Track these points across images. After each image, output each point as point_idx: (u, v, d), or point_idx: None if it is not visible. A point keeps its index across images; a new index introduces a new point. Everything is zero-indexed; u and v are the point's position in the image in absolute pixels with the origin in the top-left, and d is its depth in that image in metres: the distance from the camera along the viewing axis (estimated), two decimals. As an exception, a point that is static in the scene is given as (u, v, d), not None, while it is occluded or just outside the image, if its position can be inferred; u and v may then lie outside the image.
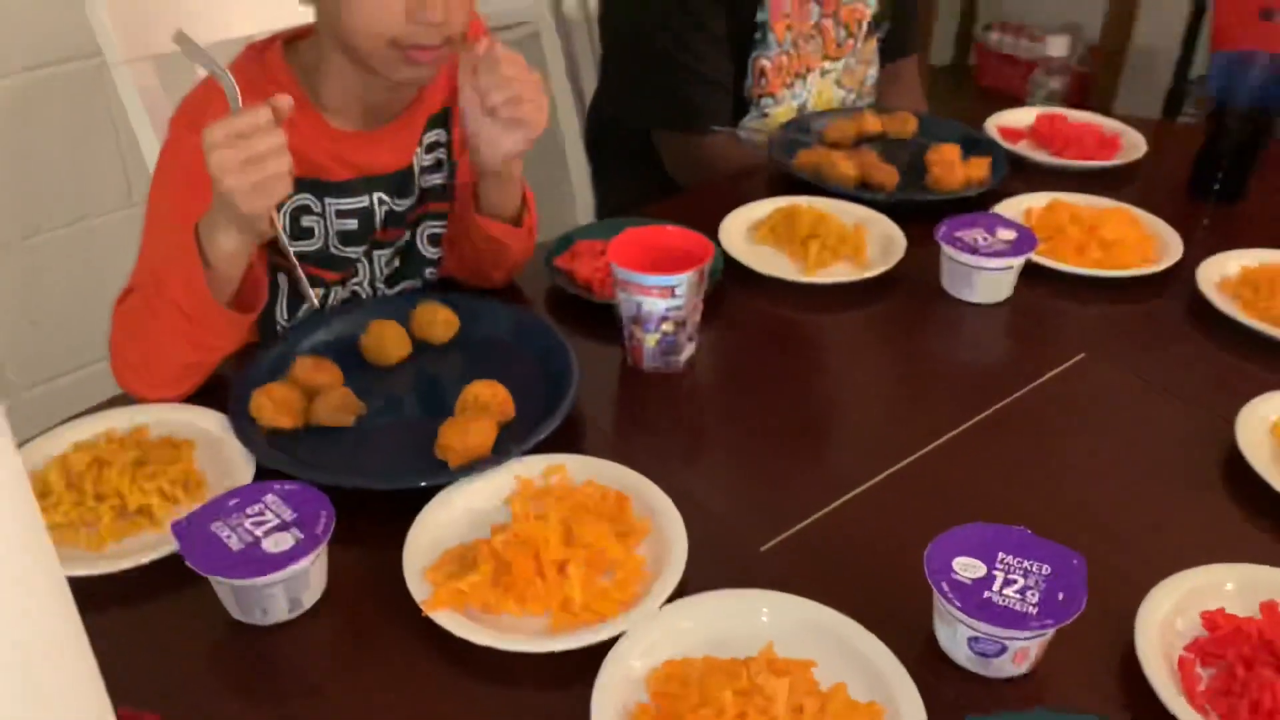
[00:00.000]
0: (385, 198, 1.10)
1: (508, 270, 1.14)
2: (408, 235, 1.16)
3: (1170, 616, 0.76)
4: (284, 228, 0.97)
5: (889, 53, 1.72)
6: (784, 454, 0.97)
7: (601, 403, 1.02)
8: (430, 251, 1.18)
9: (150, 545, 0.81)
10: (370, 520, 0.85)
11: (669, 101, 1.53)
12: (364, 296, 1.15)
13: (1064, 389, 1.04)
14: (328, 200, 1.07)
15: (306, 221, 1.07)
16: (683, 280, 0.98)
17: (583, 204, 1.83)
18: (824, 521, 0.87)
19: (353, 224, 1.09)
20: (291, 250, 0.95)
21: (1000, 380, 1.04)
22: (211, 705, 0.71)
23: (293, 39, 1.07)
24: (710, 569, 0.81)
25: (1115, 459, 0.95)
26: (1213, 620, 0.76)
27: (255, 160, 0.86)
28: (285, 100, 0.88)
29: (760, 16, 1.50)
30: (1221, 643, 0.74)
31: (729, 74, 1.53)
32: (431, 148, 1.14)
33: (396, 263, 1.16)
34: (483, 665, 0.74)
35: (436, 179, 1.15)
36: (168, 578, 0.80)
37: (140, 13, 1.18)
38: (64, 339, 1.80)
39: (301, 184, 1.03)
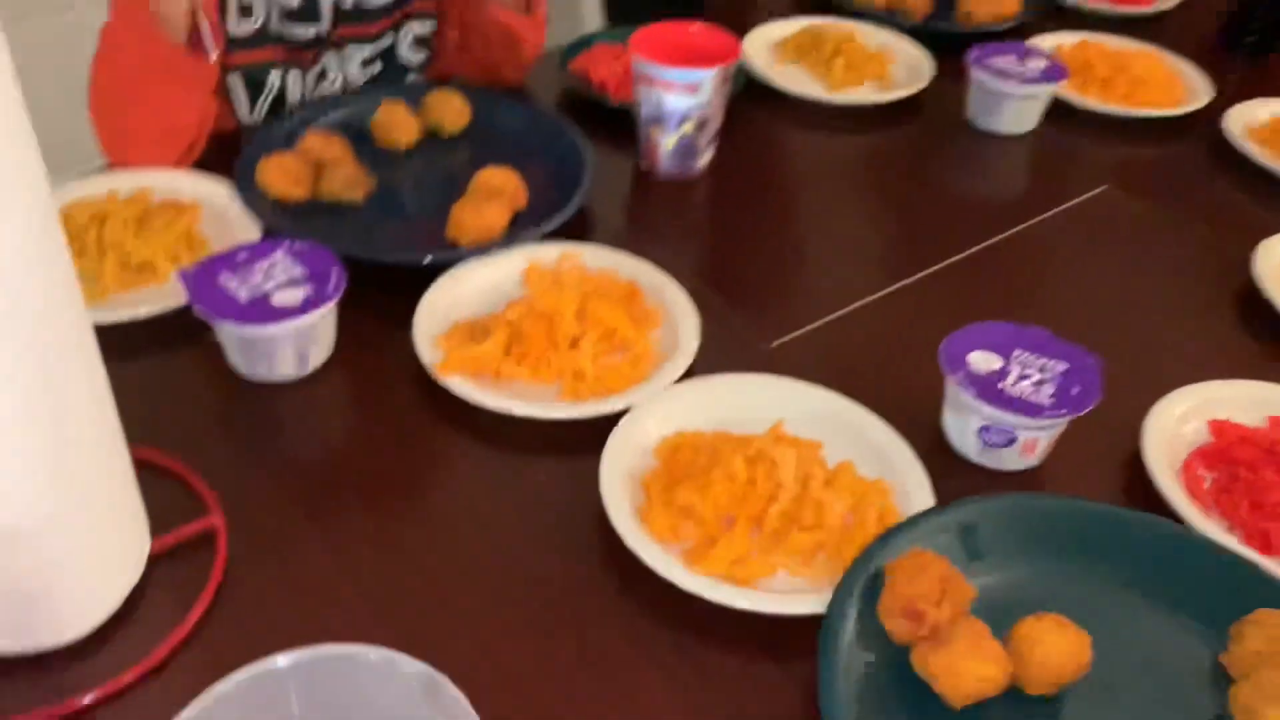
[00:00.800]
0: None
1: (520, 67, 1.10)
2: (389, 39, 1.10)
3: (1178, 423, 0.77)
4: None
5: None
6: (797, 263, 0.96)
7: (614, 207, 1.00)
8: (414, 57, 1.13)
9: (155, 297, 0.79)
10: (380, 294, 0.83)
11: None
12: None
13: (1085, 217, 1.02)
14: None
15: None
16: (708, 76, 0.95)
17: (590, 13, 1.77)
18: (835, 324, 0.87)
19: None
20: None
21: (1021, 207, 1.03)
22: (220, 459, 0.71)
23: None
24: (720, 361, 0.81)
25: (1133, 283, 0.95)
26: (1220, 428, 0.76)
27: None
28: None
29: None
30: (1227, 449, 0.74)
31: None
32: None
33: (377, 67, 1.11)
34: (492, 431, 0.74)
35: None
36: (171, 334, 0.78)
37: None
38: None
39: None
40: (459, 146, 1.02)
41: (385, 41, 1.10)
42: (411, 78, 1.14)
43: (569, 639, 0.62)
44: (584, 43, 1.17)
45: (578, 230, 0.92)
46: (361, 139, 0.99)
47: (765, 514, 0.66)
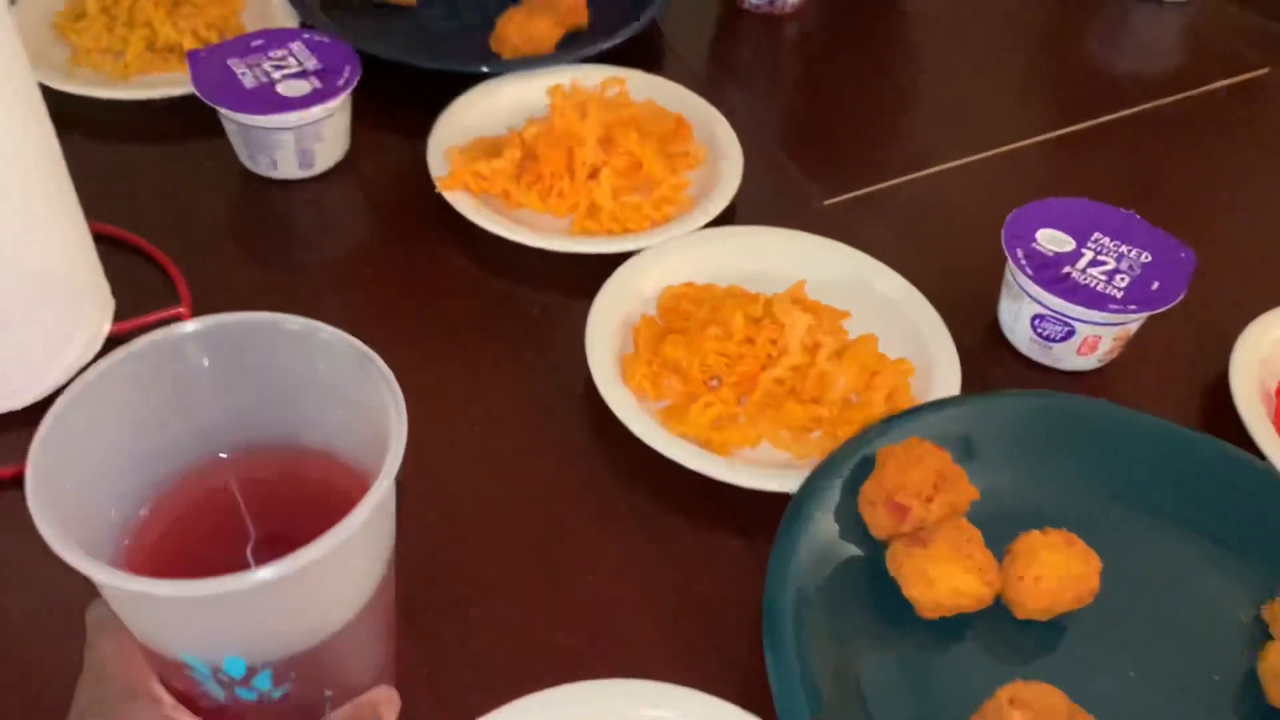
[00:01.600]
0: None
1: None
2: None
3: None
4: None
5: None
6: (881, 117, 0.85)
7: (694, 38, 0.90)
8: None
9: (174, 82, 0.76)
10: (411, 102, 0.77)
11: None
12: None
13: (1232, 102, 0.87)
14: None
15: None
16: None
17: None
18: (904, 187, 0.77)
19: None
20: None
21: (1154, 84, 0.88)
22: (205, 250, 0.67)
23: None
24: (764, 213, 0.72)
25: (1268, 184, 0.81)
26: (1335, 353, 0.64)
27: None
28: None
29: None
30: (1336, 378, 0.62)
31: None
32: None
33: None
34: (497, 256, 0.68)
35: None
36: (189, 122, 0.75)
37: None
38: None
39: None
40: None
41: None
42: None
43: (523, 477, 0.57)
44: None
45: (646, 54, 0.84)
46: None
47: (759, 378, 0.58)
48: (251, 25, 0.82)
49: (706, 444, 0.57)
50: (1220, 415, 0.61)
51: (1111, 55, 0.95)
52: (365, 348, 0.36)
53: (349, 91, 0.70)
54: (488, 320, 0.65)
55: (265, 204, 0.71)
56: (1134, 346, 0.64)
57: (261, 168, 0.71)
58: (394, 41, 0.82)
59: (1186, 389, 0.64)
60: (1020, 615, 0.50)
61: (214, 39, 0.79)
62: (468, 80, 0.78)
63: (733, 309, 0.60)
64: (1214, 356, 0.64)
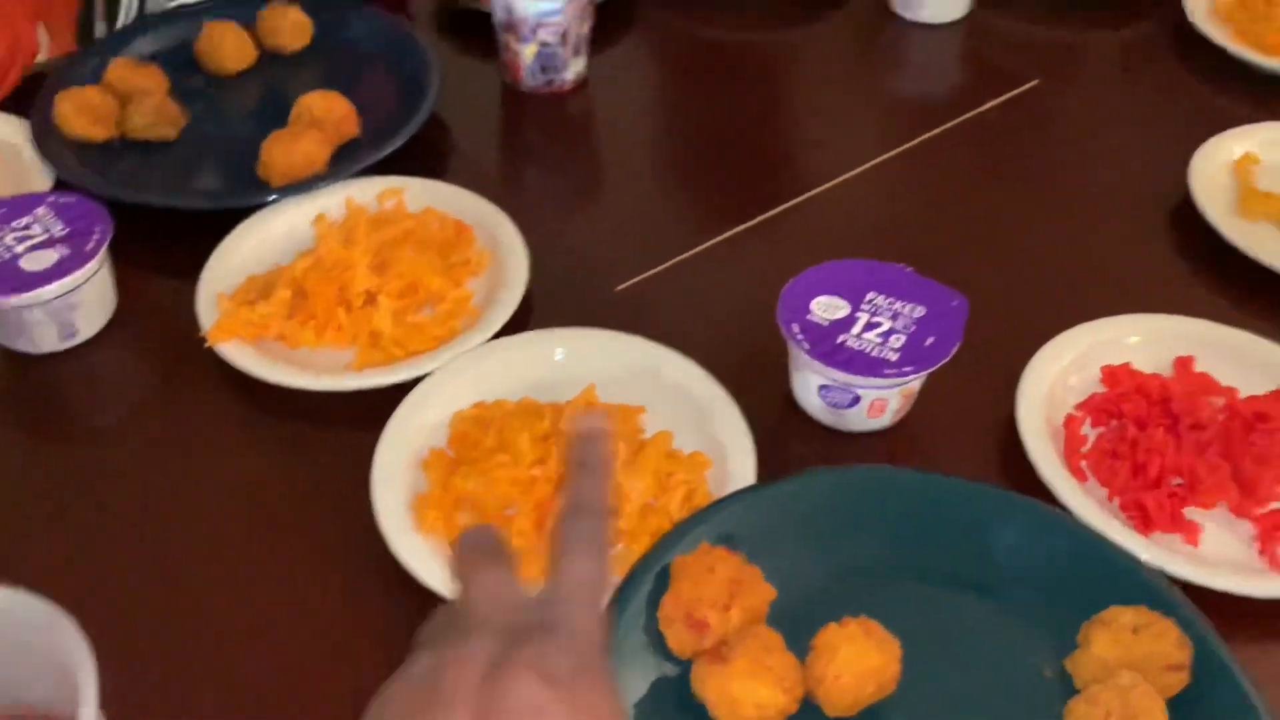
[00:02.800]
0: None
1: None
2: None
3: (1067, 371, 0.66)
4: None
5: None
6: (669, 188, 0.86)
7: (472, 124, 0.89)
8: None
9: (-82, 263, 0.71)
10: (182, 245, 0.74)
11: None
12: None
13: (1006, 119, 0.90)
14: None
15: None
16: (566, -20, 0.83)
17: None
18: (694, 261, 0.76)
19: None
20: None
21: (935, 109, 0.90)
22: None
23: None
24: (556, 309, 0.72)
25: (1051, 199, 0.83)
26: (1113, 375, 0.66)
27: None
28: None
29: None
30: (1116, 400, 0.64)
31: None
32: None
33: None
34: (283, 403, 0.66)
35: None
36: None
37: None
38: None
39: None
40: (299, 65, 0.91)
41: None
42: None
43: (318, 639, 0.55)
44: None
45: (426, 153, 0.83)
46: (187, 63, 0.89)
47: (551, 504, 0.57)
48: (2, 186, 0.78)
49: (507, 579, 0.55)
50: (1015, 456, 0.62)
51: (891, 87, 0.97)
52: (54, 610, 0.34)
53: (100, 254, 0.67)
54: (275, 474, 0.63)
55: (28, 382, 0.68)
56: (925, 398, 0.65)
57: (21, 346, 0.68)
58: (156, 181, 0.79)
59: (981, 433, 0.65)
60: (831, 714, 0.50)
61: (-41, 209, 0.75)
62: (239, 214, 0.75)
63: (518, 431, 0.59)
64: (1003, 396, 0.65)
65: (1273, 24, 0.94)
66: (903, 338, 0.61)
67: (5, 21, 0.86)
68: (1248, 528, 0.59)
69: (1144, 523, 0.58)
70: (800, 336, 0.61)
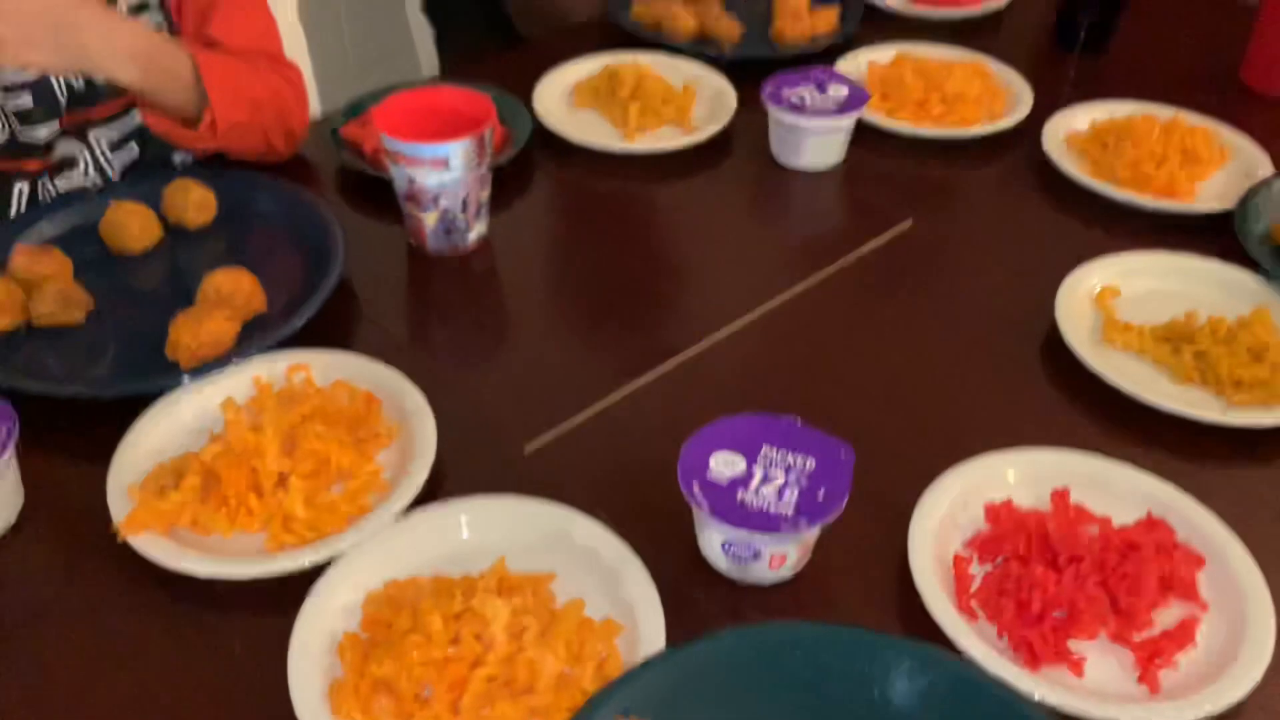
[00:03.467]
0: None
1: (289, 136, 1.02)
2: (139, 115, 1.00)
3: (955, 508, 0.70)
4: None
5: None
6: (571, 344, 0.89)
7: (379, 291, 0.92)
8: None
9: None
10: (93, 432, 0.75)
11: None
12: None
13: (883, 261, 0.96)
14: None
15: None
16: (457, 149, 0.87)
17: (428, 68, 1.69)
18: (599, 418, 0.79)
19: (26, 99, 0.95)
20: None
21: (815, 254, 0.96)
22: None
23: None
24: (466, 475, 0.74)
25: (924, 339, 0.88)
26: (995, 513, 0.70)
27: None
28: None
29: None
30: (1000, 538, 0.68)
31: None
32: (137, 9, 0.99)
33: (135, 150, 1.03)
34: (195, 593, 0.66)
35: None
36: None
37: None
38: None
39: None
40: (204, 241, 0.94)
41: (135, 119, 1.01)
42: (178, 159, 1.05)
43: None
44: (355, 108, 1.08)
45: (335, 323, 0.85)
46: (92, 244, 0.91)
47: (468, 680, 0.59)
48: (-96, 380, 0.78)
49: (425, 765, 0.56)
50: (910, 597, 0.65)
51: (773, 234, 1.02)
52: None
53: (9, 453, 0.67)
54: (190, 666, 0.63)
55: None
56: (825, 545, 0.68)
57: (-77, 550, 0.67)
58: (62, 369, 0.80)
59: (879, 576, 0.68)
60: None
61: None
62: (149, 398, 0.76)
63: (429, 610, 0.60)
64: (897, 536, 0.69)
65: (1123, 158, 1.03)
66: (796, 490, 0.65)
67: None
68: (1128, 654, 0.63)
69: (1031, 658, 0.62)
70: (701, 497, 0.64)
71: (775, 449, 0.67)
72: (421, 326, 0.91)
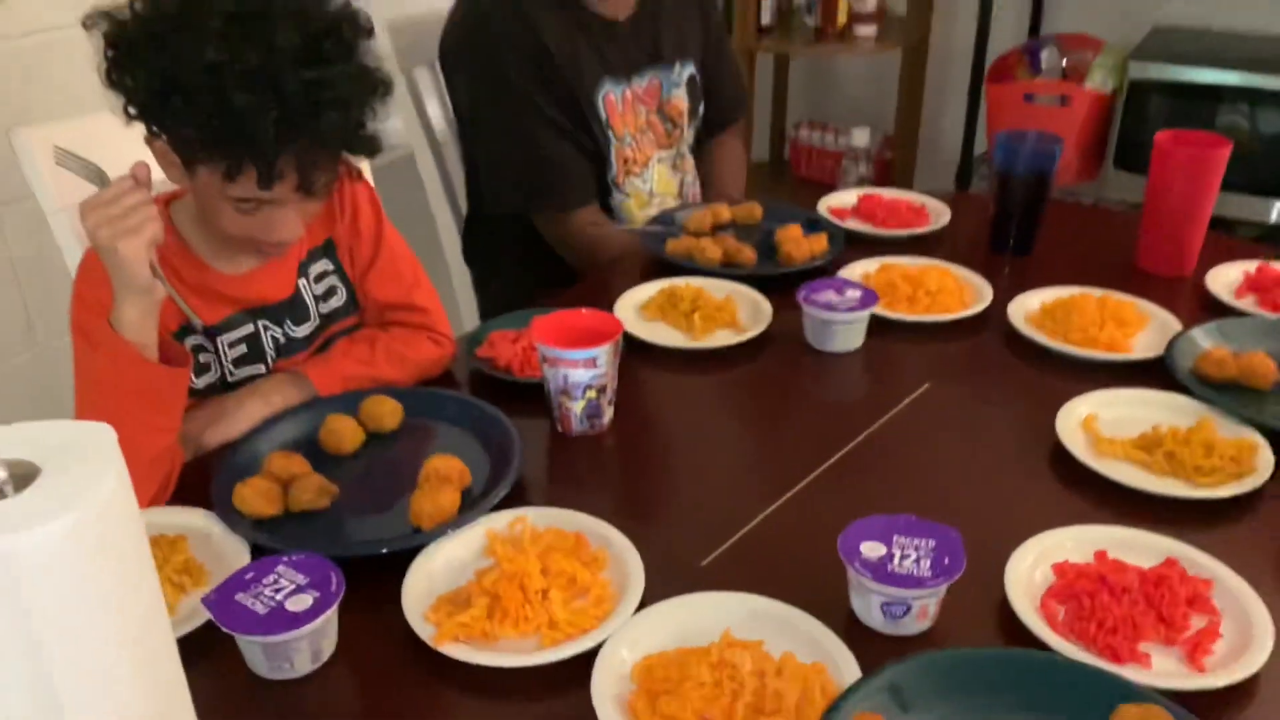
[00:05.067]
0: (270, 324, 1.25)
1: (440, 364, 1.30)
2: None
3: (1029, 571, 0.97)
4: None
5: (710, 127, 1.97)
6: (701, 489, 1.14)
7: (538, 467, 1.17)
8: None
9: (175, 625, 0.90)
10: (359, 585, 0.96)
11: (537, 184, 1.72)
12: None
13: (917, 413, 1.25)
14: (217, 336, 1.22)
15: (203, 358, 1.22)
16: (602, 351, 1.15)
17: (467, 311, 1.98)
18: (746, 536, 1.04)
19: (242, 349, 1.23)
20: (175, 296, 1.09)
21: (865, 412, 1.25)
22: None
23: (171, 199, 1.22)
24: (662, 586, 0.97)
25: (965, 462, 1.17)
26: (1061, 570, 0.97)
27: (124, 213, 1.01)
28: (142, 167, 1.04)
29: (602, 118, 1.73)
30: (1071, 585, 0.94)
31: (582, 159, 1.74)
32: (320, 277, 1.29)
33: None
34: (487, 686, 0.87)
35: (335, 303, 1.31)
36: (189, 651, 0.89)
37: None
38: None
39: (189, 326, 1.19)
40: (399, 440, 1.18)
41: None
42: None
43: None
44: (480, 334, 1.36)
45: (516, 494, 1.09)
46: (310, 449, 1.14)
47: (734, 708, 0.81)
48: (204, 560, 0.98)
49: (719, 769, 0.77)
50: (1018, 635, 0.90)
51: (826, 399, 1.32)
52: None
53: (342, 593, 0.88)
54: (509, 735, 0.83)
55: (291, 702, 0.86)
56: (946, 602, 0.93)
57: (280, 673, 0.87)
58: (335, 540, 1.02)
59: (987, 617, 0.93)
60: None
61: (187, 582, 0.95)
62: (398, 556, 0.98)
63: (697, 664, 0.83)
64: (994, 590, 0.94)
65: (1072, 325, 1.37)
66: (928, 560, 0.90)
67: (174, 415, 1.10)
68: (1177, 650, 0.88)
69: (1115, 658, 0.87)
70: (862, 569, 0.89)
71: (904, 536, 0.93)
72: (583, 490, 1.15)
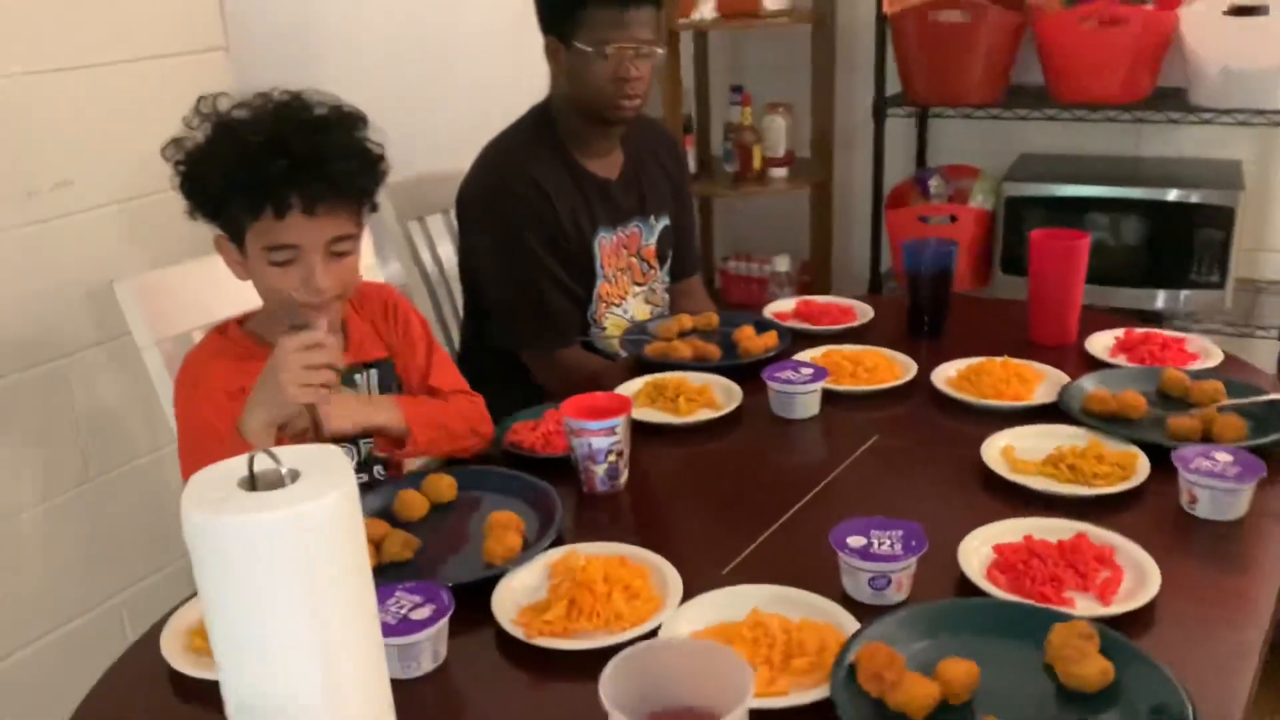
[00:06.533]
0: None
1: (483, 441, 1.56)
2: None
3: (976, 551, 1.25)
4: None
5: (676, 275, 2.30)
6: (709, 524, 1.41)
7: (571, 519, 1.42)
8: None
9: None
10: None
11: (537, 329, 2.01)
12: None
13: (871, 458, 1.55)
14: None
15: None
16: (620, 421, 1.42)
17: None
18: (753, 552, 1.31)
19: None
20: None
21: (830, 460, 1.53)
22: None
23: (245, 319, 1.53)
24: (695, 589, 1.22)
25: (914, 488, 1.46)
26: (1000, 549, 1.25)
27: (315, 367, 1.28)
28: (323, 324, 1.33)
29: (597, 259, 2.05)
30: (1008, 558, 1.23)
31: (573, 305, 2.04)
32: (384, 386, 1.58)
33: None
34: (570, 668, 1.10)
35: None
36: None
37: (163, 299, 1.56)
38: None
39: None
40: (455, 508, 1.42)
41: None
42: (378, 470, 1.56)
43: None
44: (504, 426, 1.62)
45: (559, 541, 1.34)
46: (385, 518, 1.38)
47: (771, 655, 1.06)
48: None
49: (765, 695, 1.02)
50: (968, 591, 1.18)
51: (793, 456, 1.60)
52: None
53: (453, 607, 1.12)
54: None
55: (419, 695, 1.08)
56: (916, 578, 1.20)
57: (409, 672, 1.09)
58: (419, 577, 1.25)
59: (948, 585, 1.21)
60: (954, 702, 0.99)
61: (315, 615, 1.17)
62: (477, 585, 1.22)
63: (737, 630, 1.08)
64: (951, 567, 1.22)
65: (984, 384, 1.69)
66: (900, 545, 1.18)
67: None
68: (1092, 595, 1.17)
69: (1046, 601, 1.15)
70: (851, 553, 1.17)
71: (878, 530, 1.21)
72: (611, 531, 1.40)
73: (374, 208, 1.49)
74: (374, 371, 1.56)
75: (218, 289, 1.58)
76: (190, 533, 0.80)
